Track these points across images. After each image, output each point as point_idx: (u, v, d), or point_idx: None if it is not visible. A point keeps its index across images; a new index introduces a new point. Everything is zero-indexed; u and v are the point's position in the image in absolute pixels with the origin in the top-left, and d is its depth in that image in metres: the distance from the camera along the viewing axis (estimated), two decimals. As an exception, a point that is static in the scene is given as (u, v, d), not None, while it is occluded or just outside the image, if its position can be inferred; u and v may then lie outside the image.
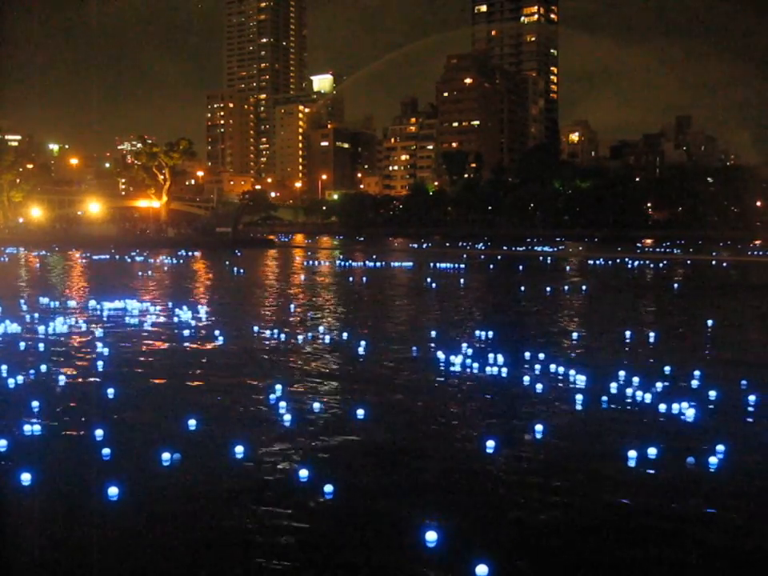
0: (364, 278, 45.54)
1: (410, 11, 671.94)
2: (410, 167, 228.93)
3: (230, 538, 8.30)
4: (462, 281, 43.18)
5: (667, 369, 16.86)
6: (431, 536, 8.10)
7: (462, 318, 27.66)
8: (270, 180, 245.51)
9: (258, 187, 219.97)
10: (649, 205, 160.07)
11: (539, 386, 15.21)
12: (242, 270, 52.23)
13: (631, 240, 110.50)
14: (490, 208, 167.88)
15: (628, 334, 22.64)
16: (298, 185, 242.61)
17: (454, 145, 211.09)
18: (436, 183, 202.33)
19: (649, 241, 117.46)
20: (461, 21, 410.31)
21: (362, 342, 20.04)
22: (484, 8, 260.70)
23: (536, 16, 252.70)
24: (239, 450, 10.86)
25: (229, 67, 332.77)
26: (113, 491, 9.25)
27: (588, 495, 9.64)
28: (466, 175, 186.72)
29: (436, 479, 10.12)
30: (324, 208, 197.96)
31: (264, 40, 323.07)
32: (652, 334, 22.46)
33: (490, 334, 21.80)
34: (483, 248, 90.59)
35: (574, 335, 22.83)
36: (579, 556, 8.00)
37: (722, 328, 25.17)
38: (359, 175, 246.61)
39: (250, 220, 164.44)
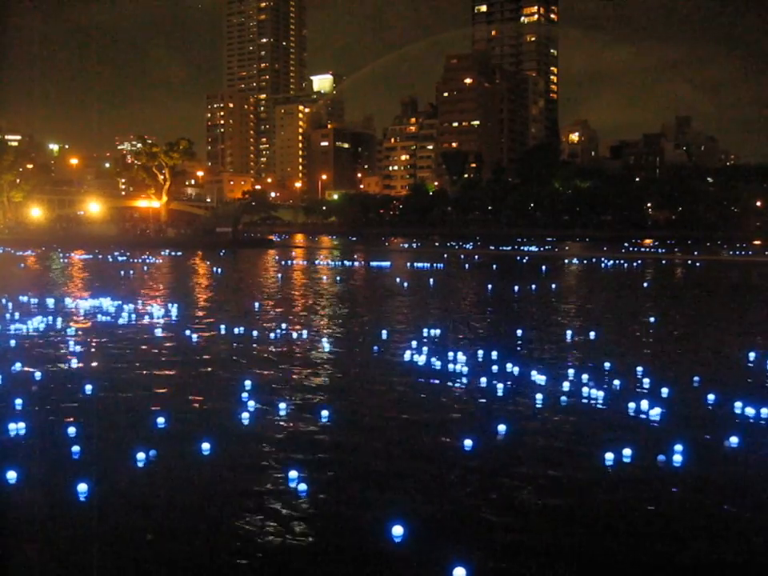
0: (338, 278, 46.24)
1: (410, 11, 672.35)
2: (410, 167, 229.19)
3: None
4: (431, 280, 43.58)
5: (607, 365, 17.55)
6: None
7: (418, 317, 28.04)
8: (270, 180, 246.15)
9: (257, 187, 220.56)
10: (649, 205, 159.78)
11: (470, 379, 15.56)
12: (220, 270, 52.90)
13: (629, 240, 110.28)
14: (490, 208, 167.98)
15: (569, 333, 23.05)
16: (298, 185, 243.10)
17: (453, 145, 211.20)
18: (436, 183, 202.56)
19: (648, 241, 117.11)
20: (461, 21, 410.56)
21: (323, 341, 21.40)
22: (484, 8, 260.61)
23: (536, 16, 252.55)
24: (206, 446, 11.22)
25: (229, 67, 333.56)
26: (82, 488, 9.57)
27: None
28: (465, 175, 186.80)
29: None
30: (324, 208, 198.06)
31: (264, 40, 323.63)
32: (592, 333, 22.83)
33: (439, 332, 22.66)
34: (469, 248, 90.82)
35: (518, 332, 23.18)
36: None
37: (658, 326, 25.53)
38: (359, 175, 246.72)
39: (250, 220, 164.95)
